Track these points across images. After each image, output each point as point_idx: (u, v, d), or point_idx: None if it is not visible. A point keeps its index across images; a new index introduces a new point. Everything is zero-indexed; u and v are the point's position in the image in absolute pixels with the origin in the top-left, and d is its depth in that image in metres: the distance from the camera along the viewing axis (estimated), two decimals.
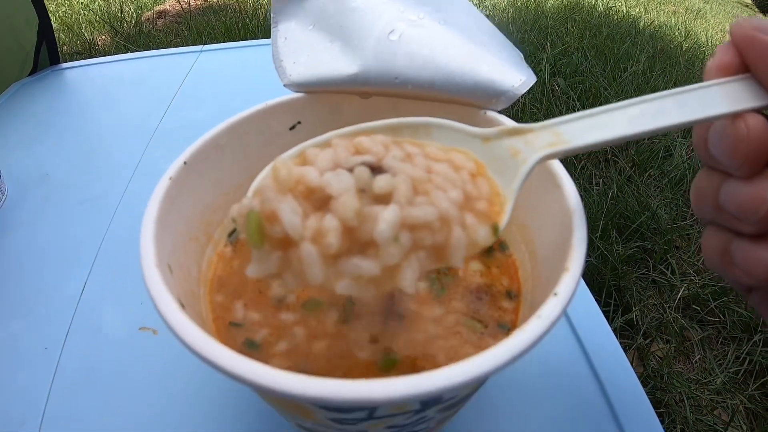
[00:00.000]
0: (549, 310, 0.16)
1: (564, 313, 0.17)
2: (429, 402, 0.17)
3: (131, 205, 0.49)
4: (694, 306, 1.03)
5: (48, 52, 0.78)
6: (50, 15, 0.77)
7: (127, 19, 2.26)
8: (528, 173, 0.19)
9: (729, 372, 0.93)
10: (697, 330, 1.00)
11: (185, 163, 0.24)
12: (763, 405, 0.89)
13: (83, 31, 2.15)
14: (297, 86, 0.28)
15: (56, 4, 2.44)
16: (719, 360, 0.96)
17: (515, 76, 0.26)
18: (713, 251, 0.20)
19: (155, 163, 0.54)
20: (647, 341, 0.96)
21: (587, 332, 0.36)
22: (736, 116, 0.18)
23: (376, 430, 0.20)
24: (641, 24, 2.39)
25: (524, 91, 0.26)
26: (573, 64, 1.72)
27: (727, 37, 0.19)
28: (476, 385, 0.21)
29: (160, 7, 2.47)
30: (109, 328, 0.38)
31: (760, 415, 0.87)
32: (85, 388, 0.34)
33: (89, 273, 0.42)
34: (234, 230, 0.26)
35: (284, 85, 0.29)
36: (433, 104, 0.27)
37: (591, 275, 1.04)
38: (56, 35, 0.79)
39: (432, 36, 0.26)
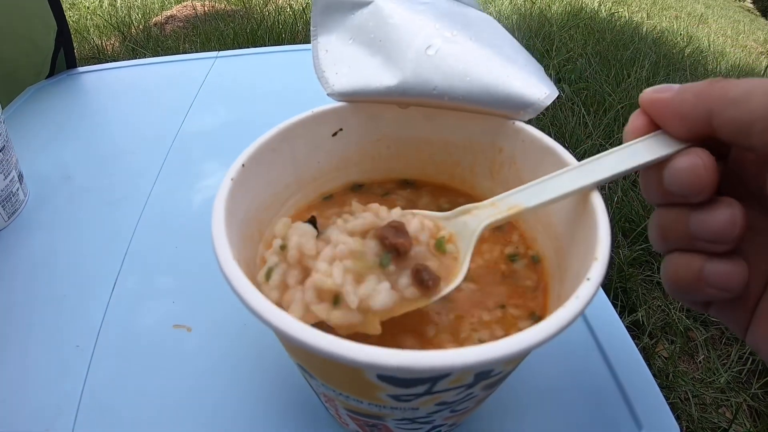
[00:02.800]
0: (584, 291, 0.19)
1: (595, 295, 0.19)
2: (482, 374, 0.20)
3: (157, 207, 0.50)
4: None
5: (65, 58, 0.79)
6: None
7: (135, 24, 2.29)
8: (477, 239, 0.25)
9: (732, 371, 0.95)
10: (701, 330, 1.02)
11: (243, 165, 0.26)
12: (766, 403, 0.91)
13: (91, 35, 2.18)
14: (340, 96, 0.31)
15: (63, 9, 2.47)
16: (723, 360, 0.98)
17: (541, 89, 0.28)
18: (683, 277, 0.22)
19: (179, 167, 0.55)
20: (653, 341, 0.98)
21: (603, 331, 0.38)
22: (679, 154, 0.22)
23: (425, 408, 0.22)
24: (644, 29, 2.42)
25: (549, 103, 0.28)
26: (577, 71, 1.75)
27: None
28: (518, 361, 0.23)
29: (168, 12, 2.50)
30: (141, 326, 0.38)
31: (763, 413, 0.89)
32: (118, 385, 0.35)
33: (118, 273, 0.42)
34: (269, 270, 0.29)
35: (327, 95, 0.31)
36: (466, 114, 0.30)
37: None
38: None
39: (466, 52, 0.28)
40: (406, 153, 0.33)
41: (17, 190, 0.49)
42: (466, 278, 0.25)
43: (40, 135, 0.62)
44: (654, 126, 0.23)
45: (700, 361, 0.98)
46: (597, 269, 0.20)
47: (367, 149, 0.33)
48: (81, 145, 0.60)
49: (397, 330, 0.24)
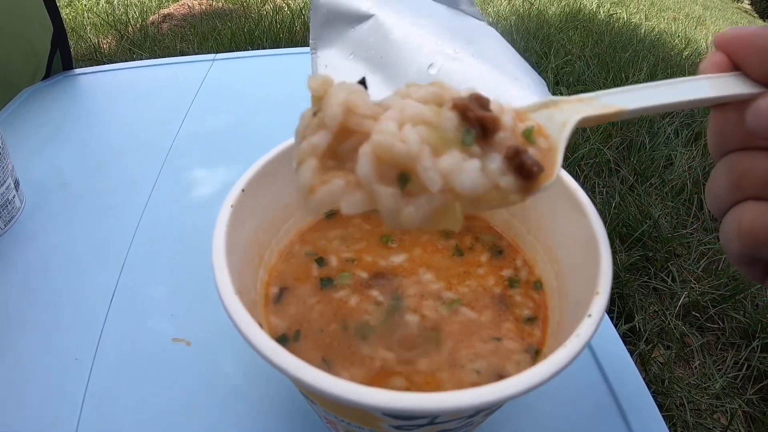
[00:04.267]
0: (585, 329, 0.19)
1: (596, 331, 0.19)
2: (482, 409, 0.20)
3: (156, 215, 0.49)
4: (694, 313, 1.06)
5: (61, 59, 0.78)
6: None
7: (132, 23, 2.28)
8: (569, 133, 0.20)
9: (728, 377, 0.96)
10: (696, 336, 1.02)
11: (243, 190, 0.26)
12: (761, 409, 0.91)
13: (88, 34, 2.16)
14: None
15: (59, 7, 2.45)
16: (718, 365, 0.99)
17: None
18: (759, 227, 0.20)
19: (177, 172, 0.54)
20: (649, 347, 0.98)
21: (598, 340, 0.38)
22: (764, 94, 0.20)
23: None
24: (642, 31, 2.42)
25: None
26: (575, 73, 1.75)
27: None
28: None
29: (165, 11, 2.49)
30: (140, 339, 0.38)
31: (758, 419, 0.90)
32: (118, 400, 0.34)
33: (116, 283, 0.42)
34: (281, 292, 0.28)
35: None
36: None
37: None
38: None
39: (468, 70, 0.28)
40: None
41: (13, 197, 0.49)
42: (463, 303, 0.25)
43: (36, 139, 0.61)
44: (732, 66, 0.21)
45: (695, 367, 0.98)
46: (598, 304, 0.20)
47: None
48: (77, 150, 0.59)
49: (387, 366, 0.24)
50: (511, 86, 0.28)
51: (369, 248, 0.30)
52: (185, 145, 0.59)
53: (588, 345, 0.38)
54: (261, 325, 0.19)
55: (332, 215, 0.32)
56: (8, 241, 0.47)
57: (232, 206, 0.24)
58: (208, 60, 0.81)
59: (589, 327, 0.19)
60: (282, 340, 0.25)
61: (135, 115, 0.66)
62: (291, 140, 0.29)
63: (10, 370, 0.36)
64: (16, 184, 0.50)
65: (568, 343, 0.18)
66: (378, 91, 0.29)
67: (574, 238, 0.25)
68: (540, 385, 0.17)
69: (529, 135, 0.20)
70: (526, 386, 0.17)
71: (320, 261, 0.29)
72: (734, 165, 0.21)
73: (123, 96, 0.71)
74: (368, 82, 0.30)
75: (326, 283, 0.28)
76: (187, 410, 0.34)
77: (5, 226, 0.48)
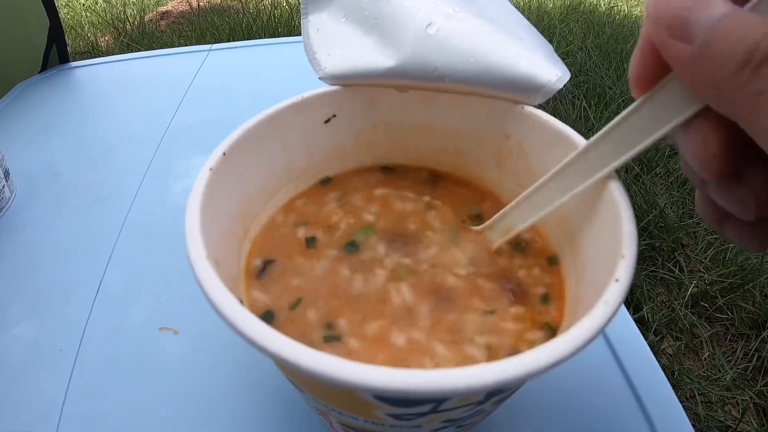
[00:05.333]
0: (613, 295, 0.17)
1: (625, 298, 0.17)
2: (494, 392, 0.18)
3: (145, 205, 0.48)
4: (702, 303, 1.04)
5: (58, 53, 0.77)
6: None
7: (130, 21, 2.26)
8: None
9: (738, 368, 0.93)
10: (706, 327, 1.00)
11: (224, 154, 0.24)
12: None
13: (86, 32, 2.15)
14: (332, 79, 0.28)
15: (58, 7, 2.44)
16: (728, 357, 0.96)
17: (551, 71, 0.26)
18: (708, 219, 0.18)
19: (169, 162, 0.53)
20: (658, 338, 0.96)
21: (615, 332, 0.36)
22: (688, 126, 0.16)
23: (429, 426, 0.20)
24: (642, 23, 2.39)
25: (560, 87, 0.26)
26: (577, 64, 1.72)
27: None
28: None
29: (163, 8, 2.47)
30: (127, 329, 0.37)
31: None
32: (103, 389, 0.33)
33: (104, 273, 0.41)
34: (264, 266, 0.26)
35: (319, 78, 0.29)
36: (471, 98, 0.27)
37: None
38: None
39: (470, 30, 0.26)
40: (405, 141, 0.31)
41: (3, 187, 0.48)
42: (474, 273, 0.23)
43: (29, 132, 0.61)
44: (665, 67, 0.16)
45: (705, 359, 0.96)
46: (625, 268, 0.17)
47: (362, 137, 0.30)
48: (70, 142, 0.58)
49: (384, 331, 0.22)
50: (516, 47, 0.26)
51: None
52: (178, 136, 0.58)
53: (604, 337, 0.36)
54: (241, 302, 0.17)
55: (327, 181, 0.30)
56: None
57: (210, 169, 0.22)
58: (203, 51, 0.80)
59: (617, 292, 0.17)
60: (268, 317, 0.23)
61: (128, 106, 0.65)
62: (280, 104, 0.27)
63: None
64: (6, 174, 0.49)
65: (596, 311, 0.16)
66: (373, 53, 0.27)
67: (586, 200, 0.23)
68: (563, 360, 0.15)
69: None
70: (547, 361, 0.15)
71: (307, 230, 0.27)
72: (697, 205, 0.19)
73: (117, 88, 0.70)
74: (361, 46, 0.28)
75: (310, 243, 0.26)
76: (174, 401, 0.32)
77: None
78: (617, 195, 0.20)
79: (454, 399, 0.17)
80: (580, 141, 0.23)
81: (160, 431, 0.31)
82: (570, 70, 0.27)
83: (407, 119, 0.30)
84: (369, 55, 0.27)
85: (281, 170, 0.28)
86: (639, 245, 0.18)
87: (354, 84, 0.28)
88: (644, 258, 1.11)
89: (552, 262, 0.26)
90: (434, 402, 0.17)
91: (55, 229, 0.46)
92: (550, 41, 1.84)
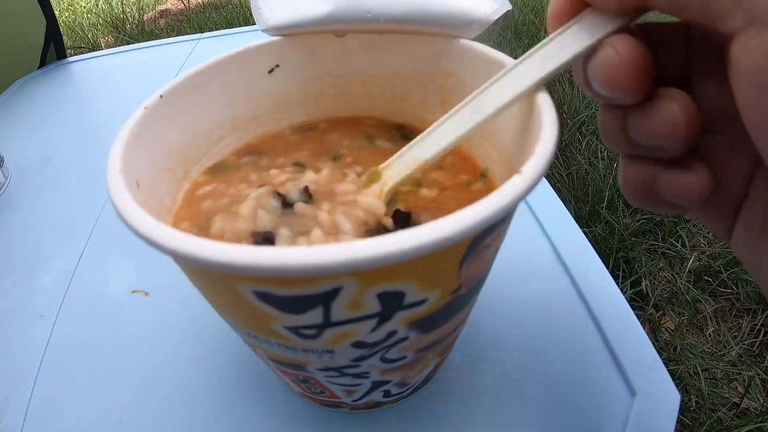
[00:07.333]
0: (530, 168, 0.16)
1: (545, 172, 0.16)
2: (389, 297, 0.16)
3: None
4: (706, 277, 1.02)
5: (55, 51, 0.80)
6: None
7: (130, 20, 2.28)
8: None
9: (744, 344, 0.91)
10: (710, 302, 0.98)
11: (161, 96, 0.24)
12: None
13: (86, 33, 2.17)
14: (275, 30, 0.28)
15: (59, 10, 2.47)
16: (733, 332, 0.94)
17: (488, 3, 0.25)
18: (636, 188, 0.18)
19: None
20: (659, 313, 0.94)
21: (589, 285, 0.35)
22: (598, 45, 0.17)
23: (342, 350, 0.19)
24: None
25: (497, 18, 0.25)
26: None
27: None
28: (452, 281, 0.18)
29: (162, 7, 2.49)
30: (103, 294, 0.39)
31: None
32: (77, 352, 0.35)
33: (86, 244, 0.43)
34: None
35: (262, 30, 0.28)
36: (409, 37, 0.26)
37: (598, 246, 1.02)
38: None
39: None
40: (353, 91, 0.30)
41: None
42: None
43: (24, 122, 0.65)
44: (581, 4, 0.18)
45: (709, 334, 0.94)
46: (532, 164, 0.16)
47: (309, 88, 0.30)
48: (62, 129, 0.62)
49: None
50: None
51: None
52: None
53: (576, 290, 0.35)
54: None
55: (274, 136, 0.30)
56: None
57: (145, 108, 0.23)
58: (194, 39, 0.81)
59: (516, 184, 0.15)
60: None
61: (119, 94, 0.68)
62: (222, 54, 0.27)
63: None
64: (1, 160, 0.52)
65: (509, 182, 0.15)
66: (310, 2, 0.27)
67: (516, 113, 0.22)
68: (461, 235, 0.14)
69: None
70: (440, 234, 0.14)
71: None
72: (601, 123, 0.19)
73: (109, 78, 0.74)
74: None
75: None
76: (144, 358, 0.34)
77: None
78: (542, 102, 0.19)
79: (338, 301, 0.16)
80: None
81: (133, 389, 0.32)
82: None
83: (350, 67, 0.29)
84: (307, 3, 0.27)
85: (226, 118, 0.28)
86: (557, 144, 0.17)
87: (295, 33, 0.28)
88: (644, 231, 1.09)
89: (483, 175, 0.25)
90: (317, 303, 0.16)
91: (44, 208, 0.50)
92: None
